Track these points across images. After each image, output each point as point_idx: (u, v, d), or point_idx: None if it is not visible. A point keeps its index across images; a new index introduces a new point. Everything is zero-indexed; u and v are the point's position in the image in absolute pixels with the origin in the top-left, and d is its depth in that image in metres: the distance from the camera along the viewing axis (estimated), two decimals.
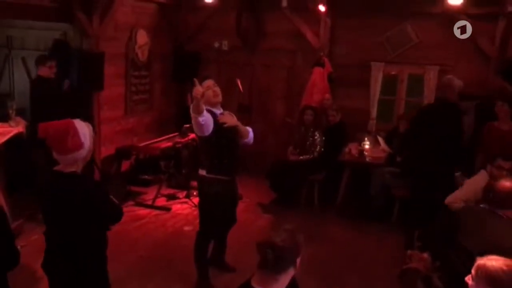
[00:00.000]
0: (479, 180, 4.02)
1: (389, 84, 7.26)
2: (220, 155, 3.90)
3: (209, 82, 3.92)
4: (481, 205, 3.27)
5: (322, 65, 6.71)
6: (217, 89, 3.94)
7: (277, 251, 2.06)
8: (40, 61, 5.41)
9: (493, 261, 2.17)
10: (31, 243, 4.71)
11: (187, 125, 6.80)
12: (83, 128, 2.50)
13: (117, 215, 2.69)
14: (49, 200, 2.56)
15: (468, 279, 2.24)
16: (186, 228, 5.52)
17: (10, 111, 5.00)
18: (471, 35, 6.37)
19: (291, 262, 2.10)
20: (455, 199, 4.13)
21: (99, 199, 2.55)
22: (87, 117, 2.66)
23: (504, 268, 2.13)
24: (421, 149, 4.99)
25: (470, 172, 4.73)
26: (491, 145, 4.89)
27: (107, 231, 2.72)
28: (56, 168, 2.53)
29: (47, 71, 5.37)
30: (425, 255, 3.61)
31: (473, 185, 4.04)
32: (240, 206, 6.24)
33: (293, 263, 2.11)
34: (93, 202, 2.51)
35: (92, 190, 2.54)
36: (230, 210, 4.22)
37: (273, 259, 2.06)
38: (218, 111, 3.95)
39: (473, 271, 2.20)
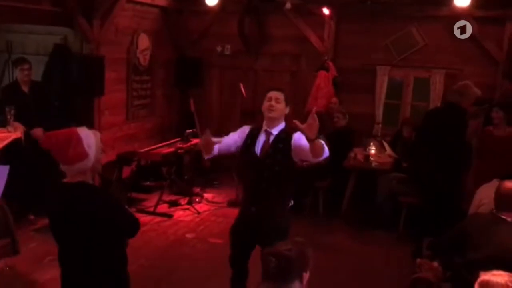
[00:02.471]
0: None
1: (395, 88, 7.16)
2: None
3: (270, 94, 3.25)
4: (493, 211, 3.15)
5: (326, 69, 6.62)
6: (274, 103, 3.20)
7: (281, 261, 1.93)
8: (13, 64, 5.43)
9: (498, 277, 2.01)
10: (30, 251, 4.61)
11: (189, 130, 6.71)
12: (88, 138, 2.33)
13: (133, 228, 2.48)
14: (58, 215, 2.39)
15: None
16: (188, 235, 5.41)
17: (9, 117, 4.91)
18: (478, 38, 6.28)
19: (296, 276, 1.96)
20: None
21: (112, 210, 2.38)
22: (81, 122, 2.52)
23: (510, 284, 1.97)
24: (428, 155, 4.87)
25: None
26: (484, 150, 4.85)
27: (125, 247, 2.54)
28: (65, 180, 2.38)
29: (19, 74, 5.33)
30: (435, 264, 3.50)
31: (491, 205, 3.79)
32: None
33: (299, 277, 1.97)
34: (106, 213, 2.34)
35: (103, 200, 2.38)
36: None
37: (276, 268, 1.93)
38: (275, 129, 3.24)
39: (476, 286, 2.04)
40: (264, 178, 3.18)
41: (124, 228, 2.45)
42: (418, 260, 3.69)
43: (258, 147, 3.22)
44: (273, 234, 3.03)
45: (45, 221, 2.99)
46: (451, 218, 4.88)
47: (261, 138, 3.23)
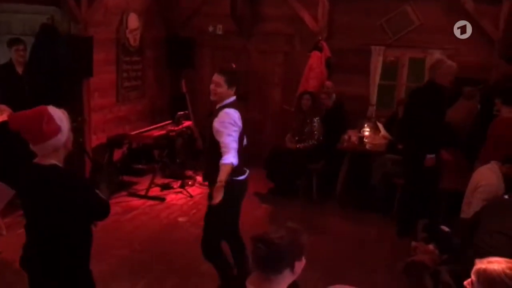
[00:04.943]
0: (491, 176, 3.76)
1: (390, 69, 7.06)
2: None
3: (213, 77, 3.47)
4: (506, 196, 3.08)
5: (320, 49, 6.50)
6: (213, 87, 3.44)
7: (271, 248, 1.82)
8: (7, 44, 5.33)
9: (494, 264, 1.94)
10: (18, 237, 4.52)
11: (181, 113, 6.61)
12: (58, 113, 2.31)
13: (103, 212, 2.49)
14: (27, 195, 2.37)
15: (467, 283, 2.01)
16: (181, 219, 5.35)
17: None
18: (474, 17, 6.17)
19: (286, 264, 1.85)
20: (469, 212, 3.85)
21: (82, 194, 2.36)
22: (70, 104, 2.44)
23: (507, 271, 1.91)
24: (409, 134, 4.89)
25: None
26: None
27: (91, 226, 2.52)
28: (35, 160, 2.33)
29: (14, 54, 5.28)
30: (431, 246, 3.47)
31: (488, 186, 3.75)
32: None
33: (290, 265, 1.86)
34: (76, 197, 2.32)
35: (74, 185, 2.35)
36: None
37: (265, 256, 1.83)
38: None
39: (472, 275, 1.97)
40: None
41: (94, 212, 2.46)
42: (413, 243, 3.66)
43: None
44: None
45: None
46: (434, 198, 4.92)
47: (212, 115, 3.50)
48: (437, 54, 6.27)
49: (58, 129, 2.26)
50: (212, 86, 3.43)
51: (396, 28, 6.68)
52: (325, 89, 6.35)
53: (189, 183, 6.40)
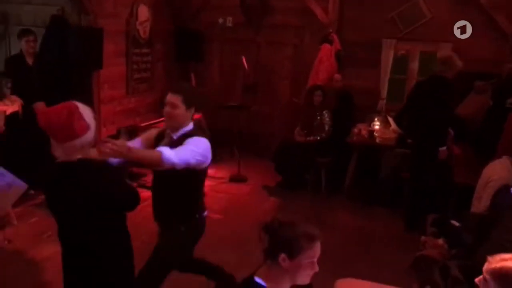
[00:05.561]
0: (502, 171, 3.72)
1: (400, 62, 6.99)
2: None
3: (167, 97, 2.81)
4: None
5: (330, 42, 6.45)
6: (169, 110, 2.80)
7: (270, 231, 1.90)
8: (17, 36, 5.37)
9: (510, 262, 1.90)
10: (30, 226, 4.58)
11: None
12: (85, 109, 2.26)
13: (134, 200, 2.41)
14: (59, 197, 2.31)
15: (479, 281, 1.98)
16: None
17: (5, 89, 4.83)
18: (488, 10, 6.08)
19: (280, 249, 1.87)
20: (480, 207, 3.81)
21: (114, 184, 2.31)
22: (80, 96, 2.42)
23: None
24: (415, 126, 4.88)
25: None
26: None
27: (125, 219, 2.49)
28: (59, 160, 2.27)
29: (24, 46, 5.30)
30: (440, 241, 3.44)
31: (499, 181, 3.70)
32: (245, 189, 6.16)
33: (284, 250, 1.86)
34: (109, 188, 2.27)
35: (106, 175, 2.30)
36: None
37: (266, 240, 1.90)
38: (176, 134, 2.87)
39: (486, 273, 1.93)
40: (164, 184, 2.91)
41: (124, 202, 2.39)
42: (422, 237, 3.63)
43: None
44: None
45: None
46: (445, 193, 4.88)
47: (164, 142, 2.86)
48: (447, 48, 6.22)
49: (87, 127, 2.22)
50: (166, 109, 2.77)
51: (407, 21, 6.61)
52: (335, 82, 6.33)
53: None
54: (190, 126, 2.84)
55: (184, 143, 2.70)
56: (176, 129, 2.81)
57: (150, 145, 2.91)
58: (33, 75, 5.31)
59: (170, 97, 2.76)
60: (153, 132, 3.02)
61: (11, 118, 4.79)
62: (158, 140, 2.92)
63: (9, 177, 2.48)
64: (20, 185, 2.51)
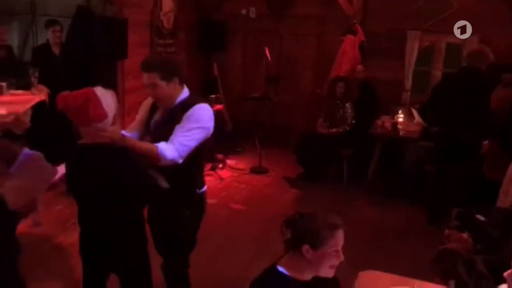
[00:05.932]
0: None
1: (425, 54, 6.88)
2: None
3: (144, 78, 2.61)
4: None
5: (354, 33, 6.39)
6: (150, 91, 2.61)
7: (291, 225, 1.91)
8: (44, 26, 5.46)
9: None
10: (56, 213, 4.67)
11: (213, 96, 6.64)
12: (106, 97, 2.27)
13: (147, 193, 2.41)
14: (78, 177, 2.37)
15: (508, 275, 1.96)
16: (210, 201, 5.35)
17: (33, 79, 4.91)
18: None
19: (303, 240, 1.88)
20: (506, 201, 3.74)
21: (132, 172, 2.31)
22: (105, 86, 2.42)
23: None
24: (445, 119, 4.78)
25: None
26: None
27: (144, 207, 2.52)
28: (80, 141, 2.34)
29: (50, 36, 5.39)
30: (465, 235, 3.39)
31: None
32: (266, 180, 6.17)
33: (306, 241, 1.87)
34: (126, 174, 2.28)
35: (127, 160, 2.32)
36: None
37: (287, 233, 1.92)
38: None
39: None
40: None
41: (136, 194, 2.37)
42: (446, 230, 3.58)
43: (152, 122, 2.74)
44: None
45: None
46: (476, 187, 4.80)
47: (159, 111, 2.71)
48: (473, 40, 6.09)
49: (104, 115, 2.24)
50: (148, 91, 2.59)
51: (433, 12, 6.49)
52: (357, 73, 6.28)
53: (219, 166, 6.45)
54: (184, 93, 2.65)
55: (183, 120, 2.52)
56: (170, 103, 2.62)
57: (144, 125, 2.78)
58: (59, 65, 5.39)
59: (146, 78, 2.54)
60: (148, 103, 2.81)
61: (38, 108, 4.87)
62: (153, 110, 2.75)
63: (41, 162, 2.53)
64: (52, 171, 2.56)
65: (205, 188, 2.85)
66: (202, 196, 2.82)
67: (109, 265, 2.51)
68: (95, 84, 2.38)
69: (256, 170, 6.39)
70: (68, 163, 2.42)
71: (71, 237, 4.12)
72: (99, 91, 2.27)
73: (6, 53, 5.15)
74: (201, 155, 2.68)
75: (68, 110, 2.23)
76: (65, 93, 2.28)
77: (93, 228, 2.44)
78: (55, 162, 2.68)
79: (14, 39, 6.47)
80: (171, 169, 2.51)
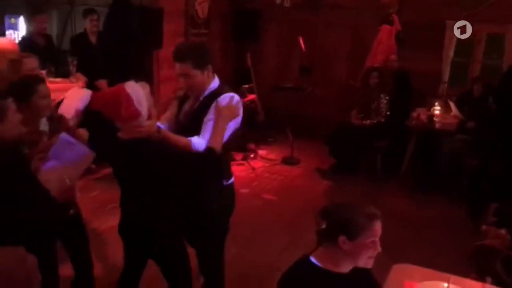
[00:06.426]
0: None
1: (464, 45, 6.68)
2: None
3: (176, 68, 2.56)
4: None
5: (390, 23, 6.25)
6: (184, 80, 2.57)
7: (327, 215, 1.89)
8: (82, 15, 5.53)
9: None
10: (91, 200, 4.78)
11: (246, 86, 6.65)
12: (137, 93, 2.25)
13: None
14: (121, 165, 2.44)
15: None
16: (243, 190, 5.42)
17: (71, 67, 5.02)
18: None
19: (339, 231, 1.85)
20: None
21: (173, 157, 2.37)
22: (140, 75, 2.45)
23: None
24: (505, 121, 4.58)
25: None
26: None
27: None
28: (120, 135, 2.36)
29: (88, 25, 5.44)
30: (503, 231, 3.29)
31: None
32: (297, 171, 6.15)
33: (342, 232, 1.84)
34: (163, 164, 2.34)
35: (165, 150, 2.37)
36: None
37: (322, 224, 1.89)
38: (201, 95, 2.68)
39: None
40: None
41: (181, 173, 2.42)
42: (484, 226, 3.49)
43: (183, 113, 2.72)
44: None
45: (106, 170, 3.04)
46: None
47: (189, 102, 2.70)
48: None
49: (137, 113, 2.23)
50: (181, 80, 2.54)
51: (473, 1, 6.28)
52: (390, 62, 6.16)
53: (251, 156, 6.47)
54: (215, 82, 2.64)
55: (213, 110, 2.50)
56: (202, 91, 2.60)
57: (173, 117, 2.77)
58: (96, 53, 5.49)
59: (179, 68, 2.50)
60: (180, 94, 2.78)
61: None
62: (183, 101, 2.73)
63: (79, 147, 2.59)
64: (89, 155, 2.62)
65: (232, 179, 2.82)
66: (230, 188, 2.80)
67: (147, 250, 2.56)
68: (130, 73, 2.41)
69: (288, 161, 6.38)
70: (110, 153, 2.49)
71: (107, 223, 4.23)
72: (131, 87, 2.25)
73: (45, 41, 5.27)
74: (228, 146, 2.63)
75: (101, 110, 2.26)
76: (96, 96, 2.32)
77: (134, 212, 2.49)
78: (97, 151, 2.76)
79: (53, 28, 6.64)
80: (198, 161, 2.47)
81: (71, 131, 2.87)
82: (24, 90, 2.68)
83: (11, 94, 2.53)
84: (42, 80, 2.80)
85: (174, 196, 2.50)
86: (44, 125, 2.85)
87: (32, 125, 2.71)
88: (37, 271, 1.55)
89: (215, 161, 2.46)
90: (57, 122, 2.91)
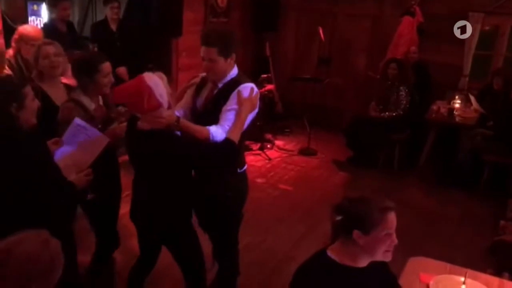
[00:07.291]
0: None
1: (486, 37, 6.55)
2: None
3: (202, 51, 2.59)
4: None
5: (412, 14, 6.17)
6: (208, 64, 2.59)
7: (341, 211, 1.88)
8: (103, 2, 5.53)
9: None
10: None
11: (264, 76, 6.63)
12: (158, 85, 2.28)
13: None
14: (136, 153, 2.49)
15: None
16: (259, 180, 5.44)
17: None
18: None
19: (353, 225, 1.84)
20: None
21: (189, 147, 2.40)
22: (159, 63, 2.48)
23: None
24: None
25: None
26: None
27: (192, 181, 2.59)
28: (139, 125, 2.40)
29: (108, 12, 5.47)
30: None
31: None
32: (314, 162, 6.14)
33: (357, 226, 1.83)
34: (184, 150, 2.38)
35: (180, 141, 2.42)
36: None
37: (337, 219, 1.88)
38: (221, 82, 2.69)
39: None
40: None
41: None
42: (502, 222, 3.47)
43: (200, 100, 2.76)
44: None
45: (123, 157, 3.07)
46: None
47: (207, 88, 2.73)
48: None
49: (158, 105, 2.28)
50: (205, 64, 2.57)
51: None
52: (411, 54, 6.08)
53: (268, 146, 6.47)
54: (234, 71, 2.67)
55: (231, 100, 2.54)
56: (221, 78, 2.64)
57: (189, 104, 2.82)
58: (116, 40, 5.53)
59: (205, 52, 2.53)
60: (196, 81, 2.82)
61: None
62: (200, 88, 2.77)
63: (92, 131, 2.62)
64: (102, 139, 2.64)
65: (245, 167, 2.85)
66: (243, 176, 2.84)
67: (158, 236, 2.60)
68: (150, 61, 2.43)
69: (305, 152, 6.37)
70: (126, 139, 2.54)
71: (125, 207, 4.26)
72: (151, 79, 2.28)
73: (67, 28, 5.32)
74: (244, 135, 2.64)
75: (124, 103, 2.33)
76: (117, 89, 2.34)
77: (144, 198, 2.54)
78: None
79: (75, 15, 6.69)
80: (216, 151, 2.49)
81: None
82: (89, 68, 2.75)
83: (76, 72, 2.68)
84: (105, 58, 2.86)
85: (187, 183, 2.54)
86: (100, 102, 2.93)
87: (95, 102, 2.81)
88: (61, 254, 1.56)
89: (232, 152, 2.49)
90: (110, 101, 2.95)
